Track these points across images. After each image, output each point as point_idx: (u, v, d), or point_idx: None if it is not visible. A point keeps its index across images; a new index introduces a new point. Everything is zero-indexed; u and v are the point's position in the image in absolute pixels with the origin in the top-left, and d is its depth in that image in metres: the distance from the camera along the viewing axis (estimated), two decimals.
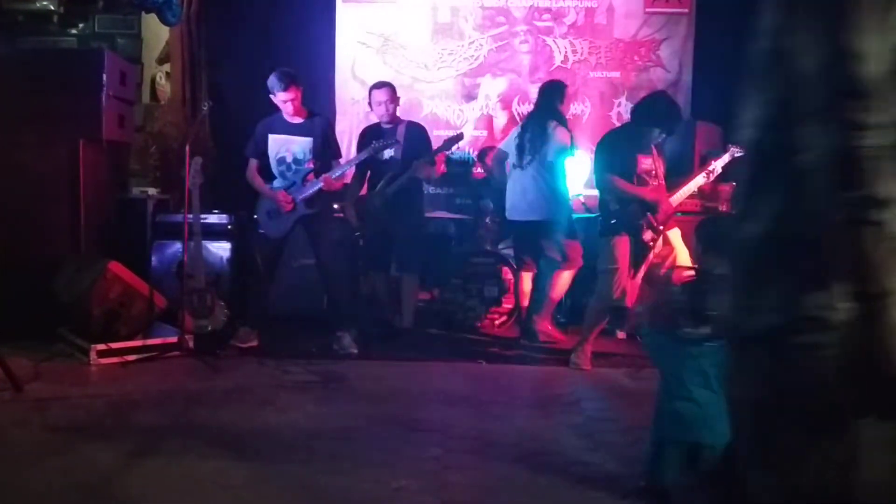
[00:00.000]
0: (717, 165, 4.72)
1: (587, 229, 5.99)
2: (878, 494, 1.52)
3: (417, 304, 5.44)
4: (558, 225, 5.15)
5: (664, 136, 4.63)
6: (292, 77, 4.74)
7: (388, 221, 5.21)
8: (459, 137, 5.46)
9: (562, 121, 5.15)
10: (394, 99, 5.19)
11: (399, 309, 5.43)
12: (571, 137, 5.18)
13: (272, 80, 4.72)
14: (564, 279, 5.21)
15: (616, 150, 4.52)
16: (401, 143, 5.10)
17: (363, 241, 5.36)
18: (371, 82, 5.97)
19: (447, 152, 5.79)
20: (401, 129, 5.19)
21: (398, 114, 5.31)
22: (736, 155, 4.71)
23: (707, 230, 3.91)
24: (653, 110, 4.54)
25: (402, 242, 5.27)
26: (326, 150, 4.91)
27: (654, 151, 4.61)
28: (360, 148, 5.20)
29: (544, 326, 5.25)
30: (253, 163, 4.94)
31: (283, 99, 4.73)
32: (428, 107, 6.71)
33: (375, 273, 5.46)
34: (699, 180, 4.76)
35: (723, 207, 5.61)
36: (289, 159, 4.86)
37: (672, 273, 4.52)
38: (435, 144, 5.33)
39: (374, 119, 5.44)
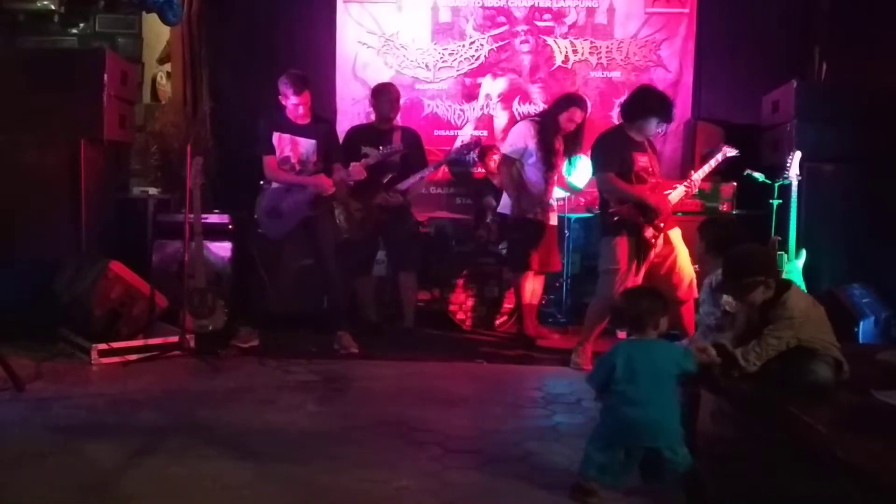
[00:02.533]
0: (712, 162, 4.68)
1: (587, 228, 6.02)
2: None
3: (417, 302, 5.45)
4: (508, 223, 5.25)
5: (662, 125, 4.61)
6: (306, 81, 4.74)
7: (381, 222, 5.23)
8: (477, 144, 5.59)
9: (542, 123, 5.12)
10: (400, 101, 5.33)
11: (374, 307, 5.52)
12: (526, 136, 5.09)
13: (285, 84, 4.70)
14: (527, 284, 5.23)
15: (612, 149, 4.51)
16: (403, 148, 5.13)
17: (350, 243, 5.29)
18: (372, 82, 6.03)
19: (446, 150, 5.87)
20: (398, 134, 5.25)
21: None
22: (729, 154, 4.71)
23: (709, 230, 3.91)
24: (644, 102, 4.52)
25: (397, 241, 5.28)
26: (330, 154, 4.91)
27: (649, 149, 4.59)
28: (348, 149, 5.13)
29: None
30: (270, 159, 4.83)
31: (296, 103, 4.73)
32: (428, 107, 6.71)
33: (360, 276, 5.44)
34: (701, 174, 4.70)
35: (724, 207, 5.62)
36: (293, 159, 4.86)
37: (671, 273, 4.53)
38: (436, 144, 5.37)
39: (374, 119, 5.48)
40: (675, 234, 4.59)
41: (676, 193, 4.62)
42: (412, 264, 5.34)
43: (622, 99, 6.48)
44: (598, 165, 4.55)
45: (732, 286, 3.14)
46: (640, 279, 4.46)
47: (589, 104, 6.20)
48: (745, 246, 3.28)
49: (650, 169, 4.54)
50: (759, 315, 3.06)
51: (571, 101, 5.14)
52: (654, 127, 4.56)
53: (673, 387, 2.79)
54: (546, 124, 5.12)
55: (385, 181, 5.19)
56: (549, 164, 5.10)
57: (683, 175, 5.92)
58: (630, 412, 2.71)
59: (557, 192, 5.41)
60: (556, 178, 5.20)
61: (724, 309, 3.49)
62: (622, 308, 3.02)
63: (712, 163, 4.69)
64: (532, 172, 5.11)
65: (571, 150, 5.21)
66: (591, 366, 4.58)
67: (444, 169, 6.26)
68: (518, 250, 5.25)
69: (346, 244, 5.16)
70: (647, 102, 4.52)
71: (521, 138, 5.15)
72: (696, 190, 4.76)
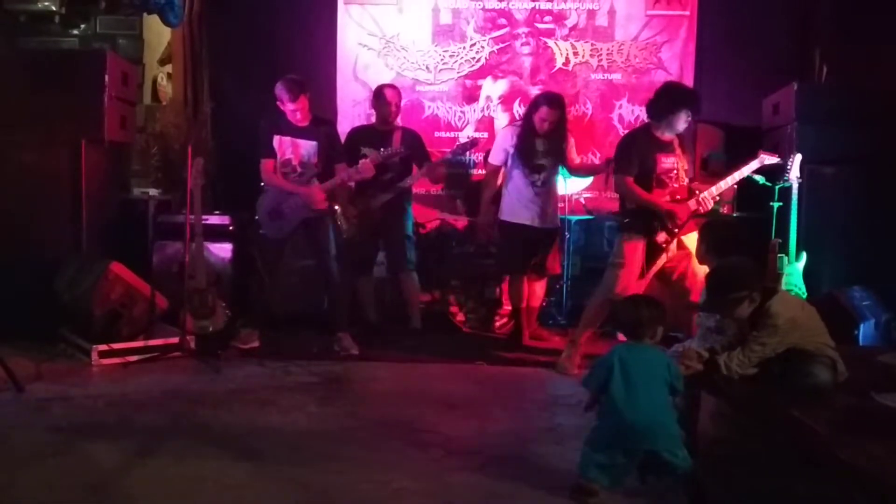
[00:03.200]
0: (747, 170, 4.51)
1: (587, 231, 6.02)
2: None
3: (420, 303, 5.44)
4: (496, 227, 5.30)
5: (691, 116, 4.50)
6: (301, 86, 4.73)
7: (380, 223, 5.23)
8: (474, 143, 5.53)
9: (519, 128, 5.16)
10: (401, 102, 5.28)
11: (374, 308, 5.52)
12: (504, 141, 5.17)
13: (281, 90, 4.71)
14: (514, 287, 5.26)
15: (632, 151, 4.45)
16: (403, 150, 5.14)
17: (351, 244, 5.29)
18: (373, 84, 6.03)
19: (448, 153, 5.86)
20: (398, 135, 5.25)
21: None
22: (766, 162, 4.56)
23: (710, 232, 3.91)
24: (670, 96, 4.45)
25: (395, 242, 5.29)
26: (331, 155, 4.91)
27: (678, 149, 4.50)
28: (349, 149, 5.15)
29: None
30: (268, 163, 4.85)
31: (293, 108, 4.73)
32: (429, 109, 6.71)
33: (361, 276, 5.44)
34: (723, 185, 4.51)
35: (724, 210, 5.61)
36: (294, 161, 4.86)
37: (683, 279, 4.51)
38: (437, 146, 5.37)
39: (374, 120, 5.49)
40: (692, 239, 4.53)
41: (722, 185, 4.51)
42: (410, 265, 5.33)
43: (623, 101, 6.58)
44: (617, 167, 4.53)
45: (718, 303, 3.12)
46: (645, 282, 4.44)
47: (589, 104, 6.19)
48: (726, 262, 3.26)
49: (674, 172, 4.47)
50: (749, 322, 3.05)
51: (541, 100, 5.08)
52: (683, 121, 4.46)
53: (667, 391, 2.80)
54: (522, 128, 5.11)
55: (385, 180, 5.18)
56: (531, 167, 5.05)
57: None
58: (627, 415, 2.72)
59: (577, 185, 5.43)
60: (545, 180, 5.08)
61: None
62: (621, 314, 3.03)
63: (745, 171, 4.52)
64: (517, 178, 5.10)
65: (557, 149, 5.07)
66: (577, 370, 4.57)
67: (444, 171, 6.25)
68: (501, 254, 5.35)
69: (346, 245, 5.17)
70: (672, 96, 4.45)
71: (501, 145, 5.18)
72: (712, 203, 4.50)
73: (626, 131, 4.74)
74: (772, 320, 2.94)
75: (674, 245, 4.47)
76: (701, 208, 4.46)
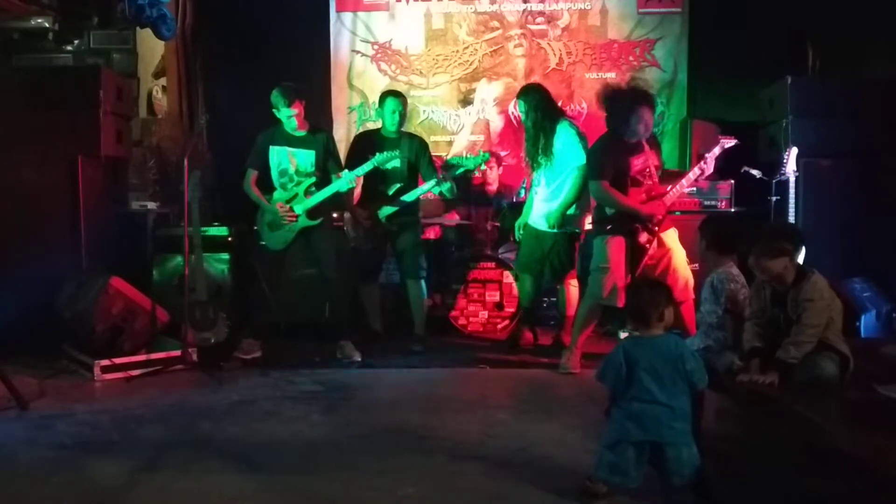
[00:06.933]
0: (710, 158, 4.49)
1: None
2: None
3: (427, 310, 5.43)
4: None
5: (649, 112, 4.44)
6: (296, 92, 4.74)
7: (389, 231, 5.22)
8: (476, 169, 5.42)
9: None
10: (406, 110, 5.23)
11: (379, 316, 5.51)
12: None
13: (276, 96, 4.73)
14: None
15: (605, 157, 4.46)
16: (406, 155, 5.12)
17: (357, 251, 5.32)
18: (367, 90, 6.03)
19: (445, 157, 5.84)
20: (404, 141, 5.18)
21: None
22: (726, 146, 4.58)
23: (710, 228, 3.91)
24: (616, 104, 4.45)
25: (407, 250, 5.27)
26: (328, 163, 4.91)
27: (646, 147, 4.49)
28: (354, 154, 5.16)
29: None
30: (252, 174, 4.93)
31: (288, 115, 4.75)
32: (424, 113, 6.73)
33: (366, 284, 5.44)
34: (691, 176, 4.53)
35: (722, 205, 5.61)
36: (291, 171, 4.87)
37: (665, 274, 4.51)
38: (433, 150, 5.36)
39: (370, 127, 5.47)
40: (671, 235, 4.53)
41: (686, 181, 4.50)
42: (420, 272, 5.30)
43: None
44: (592, 173, 4.53)
45: (762, 247, 3.09)
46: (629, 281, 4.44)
47: (584, 103, 6.16)
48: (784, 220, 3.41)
49: (647, 170, 4.47)
50: (773, 299, 3.05)
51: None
52: (642, 124, 4.41)
53: (678, 381, 2.75)
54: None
55: (392, 192, 5.15)
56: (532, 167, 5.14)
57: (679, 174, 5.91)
58: (633, 408, 2.71)
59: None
60: (539, 179, 5.08)
61: (726, 307, 3.48)
62: (627, 303, 3.00)
63: (717, 150, 4.49)
64: None
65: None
66: (579, 370, 4.58)
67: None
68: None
69: (353, 252, 5.16)
70: (616, 104, 4.44)
71: None
72: (707, 172, 4.52)
73: (596, 139, 4.69)
74: (817, 294, 2.97)
75: (654, 244, 4.46)
76: (704, 171, 4.48)
